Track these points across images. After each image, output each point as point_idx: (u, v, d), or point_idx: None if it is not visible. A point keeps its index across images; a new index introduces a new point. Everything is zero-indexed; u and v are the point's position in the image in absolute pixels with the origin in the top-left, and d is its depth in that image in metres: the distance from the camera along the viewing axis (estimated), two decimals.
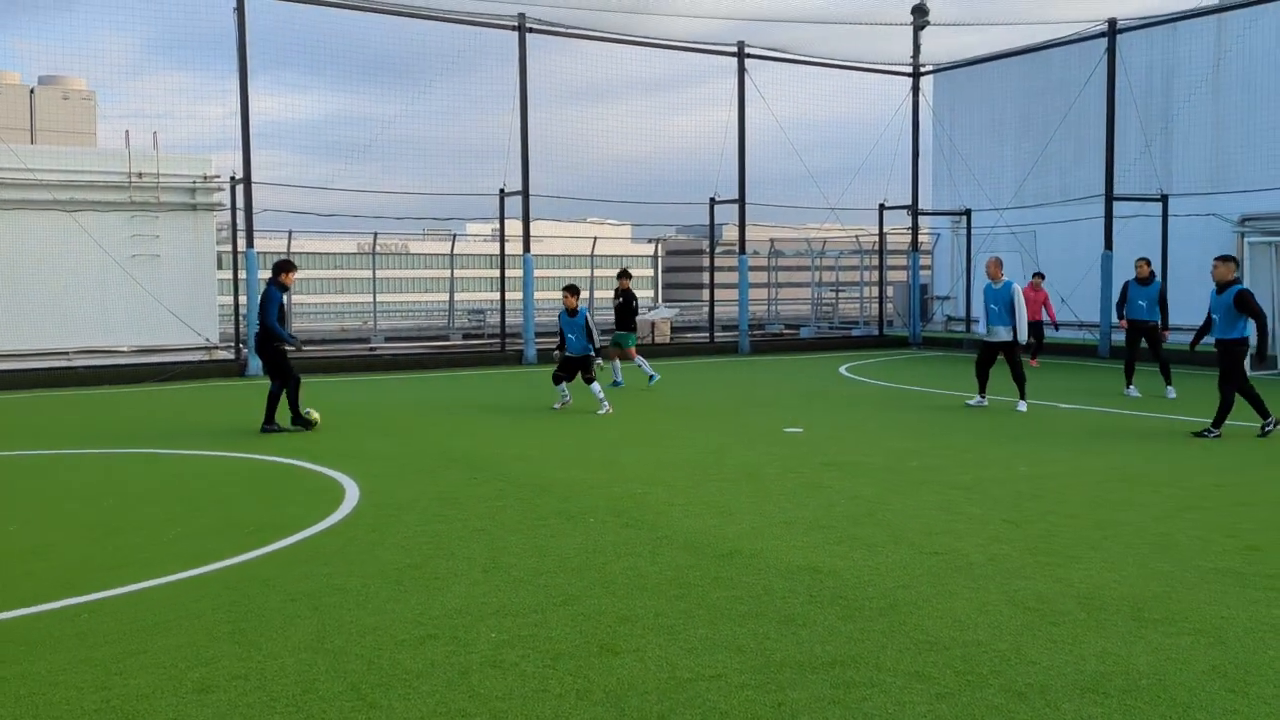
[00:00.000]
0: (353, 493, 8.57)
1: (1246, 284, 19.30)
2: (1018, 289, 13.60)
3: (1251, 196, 21.77)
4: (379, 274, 29.95)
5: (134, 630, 5.23)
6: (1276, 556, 6.44)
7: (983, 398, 14.09)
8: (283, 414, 12.13)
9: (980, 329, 14.52)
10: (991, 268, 13.95)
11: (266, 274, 12.87)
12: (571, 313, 14.01)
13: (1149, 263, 15.72)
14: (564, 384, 14.16)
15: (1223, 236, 22.40)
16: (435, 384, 17.89)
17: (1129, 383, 15.57)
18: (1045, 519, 7.48)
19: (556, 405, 14.23)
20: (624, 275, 17.51)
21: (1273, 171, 21.51)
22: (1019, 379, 13.74)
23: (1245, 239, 20.53)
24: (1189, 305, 22.58)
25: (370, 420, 13.24)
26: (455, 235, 33.60)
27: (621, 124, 25.08)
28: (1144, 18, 22.72)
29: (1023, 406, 13.68)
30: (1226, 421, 11.58)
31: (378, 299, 29.12)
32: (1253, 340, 11.61)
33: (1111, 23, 21.98)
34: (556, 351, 14.36)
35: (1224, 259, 11.59)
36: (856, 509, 7.83)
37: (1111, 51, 21.87)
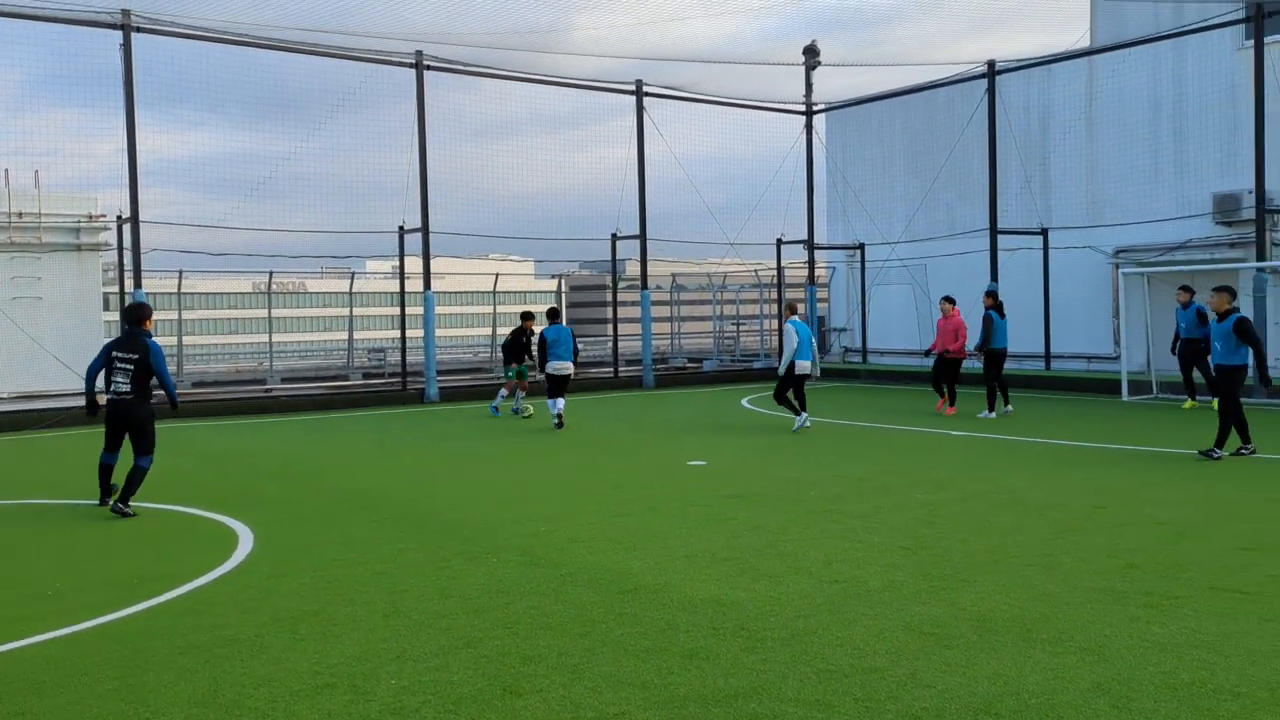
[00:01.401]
0: (247, 539, 8.34)
1: (1123, 313, 20.28)
2: (788, 327, 15.14)
3: (1124, 230, 22.91)
4: (275, 313, 29.31)
5: (14, 691, 4.99)
6: (1154, 574, 6.73)
7: (803, 416, 15.20)
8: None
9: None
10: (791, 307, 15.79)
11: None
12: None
13: (988, 294, 17.18)
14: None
15: (1099, 268, 23.50)
16: (335, 425, 17.55)
17: (993, 403, 16.75)
18: (940, 544, 7.69)
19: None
20: (528, 317, 18.76)
21: (1143, 206, 22.68)
22: (797, 400, 15.34)
23: (1120, 270, 21.54)
24: (1070, 332, 23.61)
25: (266, 463, 12.91)
26: (354, 273, 33.15)
27: (523, 160, 25.19)
28: (1021, 60, 23.75)
29: (801, 423, 15.07)
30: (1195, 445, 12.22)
31: (274, 339, 28.47)
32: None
33: (991, 64, 22.96)
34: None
35: (1219, 290, 12.01)
36: (759, 540, 7.94)
37: (991, 92, 22.83)
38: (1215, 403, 16.94)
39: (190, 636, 5.78)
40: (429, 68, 21.29)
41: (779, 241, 27.23)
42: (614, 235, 24.79)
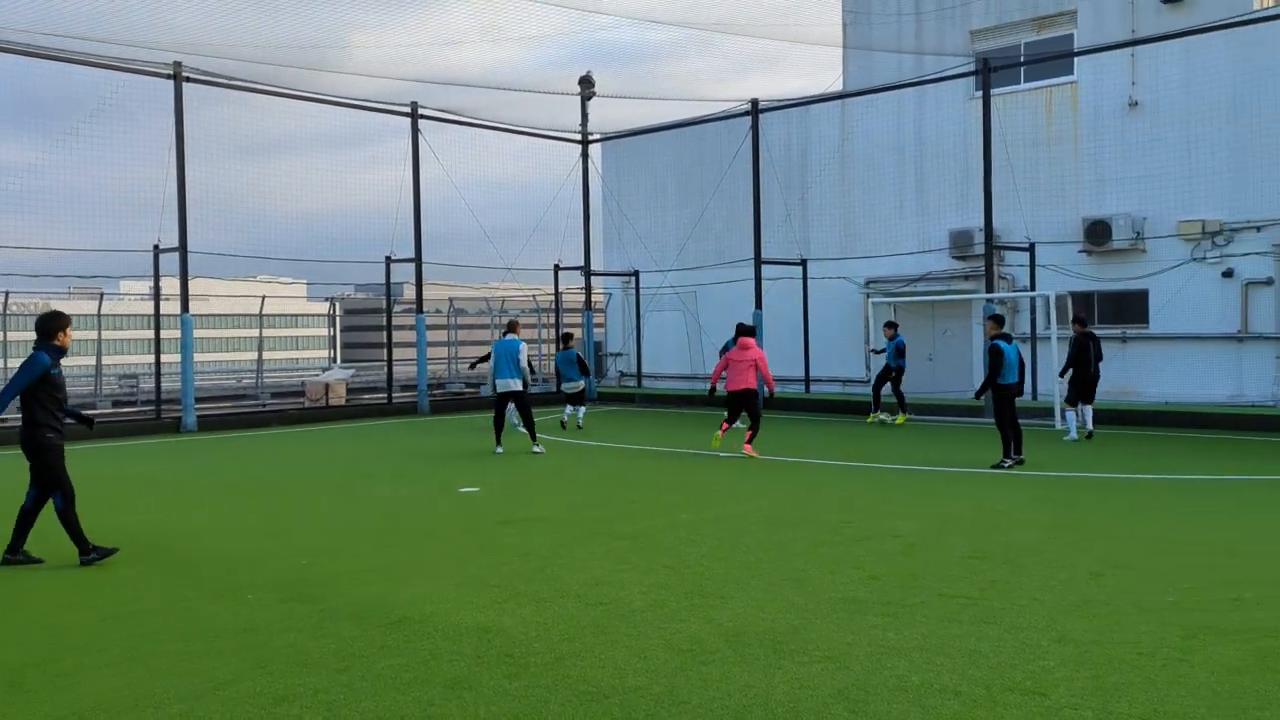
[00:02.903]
0: None
1: (873, 340, 21.75)
2: (522, 346, 15.72)
3: (873, 262, 24.62)
4: (11, 336, 26.86)
5: None
6: (892, 584, 7.25)
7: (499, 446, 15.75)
8: None
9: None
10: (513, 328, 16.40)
11: None
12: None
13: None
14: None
15: (852, 297, 25.10)
16: (77, 457, 16.21)
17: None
18: (701, 563, 7.99)
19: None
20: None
21: (889, 240, 24.45)
22: (523, 421, 15.84)
23: (870, 300, 23.11)
24: (827, 357, 25.06)
25: None
26: (104, 294, 30.84)
27: (295, 180, 24.33)
28: (781, 100, 25.13)
29: (538, 449, 15.49)
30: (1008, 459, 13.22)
31: (9, 364, 26.06)
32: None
33: (754, 103, 24.15)
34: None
35: (990, 318, 13.83)
36: (528, 565, 7.98)
37: (755, 129, 24.01)
38: (902, 418, 18.95)
39: None
40: (189, 79, 20.23)
41: (556, 267, 27.51)
42: (388, 258, 24.32)
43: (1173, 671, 5.33)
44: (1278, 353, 19.84)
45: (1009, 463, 13.05)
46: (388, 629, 6.29)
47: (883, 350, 20.10)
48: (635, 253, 29.02)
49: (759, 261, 23.80)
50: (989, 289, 20.52)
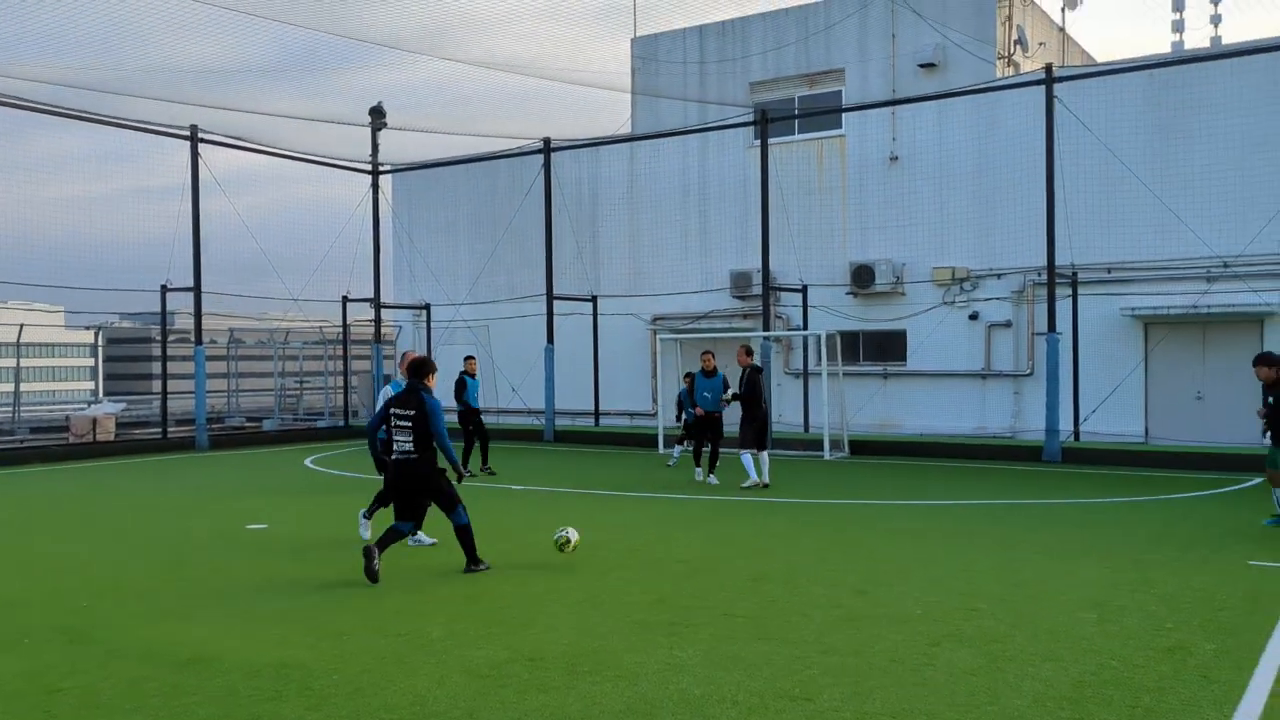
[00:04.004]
0: None
1: (660, 375, 22.61)
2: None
3: (660, 300, 25.63)
4: None
5: None
6: (678, 606, 7.76)
7: None
8: None
9: None
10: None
11: None
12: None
13: (473, 359, 18.10)
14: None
15: (640, 333, 26.00)
16: None
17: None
18: (498, 591, 8.25)
19: None
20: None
21: (675, 279, 25.53)
22: None
23: (657, 336, 24.02)
24: (616, 391, 25.82)
25: None
26: None
27: (56, 200, 22.83)
28: (572, 140, 25.81)
29: None
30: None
31: None
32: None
33: (546, 141, 24.72)
34: None
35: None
36: (325, 600, 8.00)
37: (547, 167, 24.55)
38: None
39: None
40: None
41: (345, 298, 27.02)
42: (164, 286, 23.23)
43: (919, 675, 6.04)
44: (1015, 388, 22.08)
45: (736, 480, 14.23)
46: (179, 668, 6.22)
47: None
48: (427, 285, 28.93)
49: (551, 297, 24.27)
50: (766, 327, 21.79)
